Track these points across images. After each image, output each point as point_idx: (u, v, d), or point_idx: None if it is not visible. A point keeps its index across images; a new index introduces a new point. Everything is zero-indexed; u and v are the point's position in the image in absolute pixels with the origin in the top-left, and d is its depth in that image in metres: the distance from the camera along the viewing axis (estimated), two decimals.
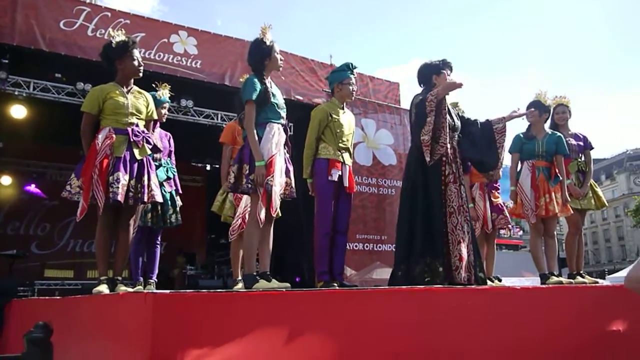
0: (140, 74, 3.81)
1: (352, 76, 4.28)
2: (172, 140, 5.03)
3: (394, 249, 4.44)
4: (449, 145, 3.96)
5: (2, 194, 10.29)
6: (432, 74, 4.19)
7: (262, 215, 3.27)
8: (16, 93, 6.98)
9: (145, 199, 3.62)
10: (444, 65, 4.20)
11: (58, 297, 4.43)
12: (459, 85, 3.86)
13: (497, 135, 4.22)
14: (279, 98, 3.57)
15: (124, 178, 3.47)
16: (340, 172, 4.06)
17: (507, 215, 5.56)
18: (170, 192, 4.74)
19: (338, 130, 4.13)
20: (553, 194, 4.72)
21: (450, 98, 4.40)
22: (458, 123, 4.18)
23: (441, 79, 4.14)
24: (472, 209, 5.06)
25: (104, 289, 3.41)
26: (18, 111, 7.50)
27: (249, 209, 3.62)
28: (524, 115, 4.58)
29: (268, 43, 3.55)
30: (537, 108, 4.96)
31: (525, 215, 4.82)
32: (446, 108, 3.99)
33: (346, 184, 4.13)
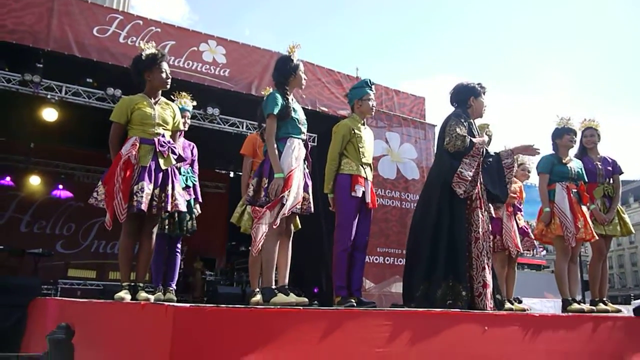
0: (168, 86, 3.90)
1: (371, 92, 4.31)
2: (195, 150, 5.11)
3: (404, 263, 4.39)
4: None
5: (31, 194, 10.55)
6: (470, 96, 4.18)
7: (276, 221, 3.26)
8: (49, 96, 7.15)
9: (169, 208, 3.69)
10: (482, 88, 4.21)
11: (81, 300, 4.51)
12: (531, 148, 4.03)
13: (506, 170, 4.13)
14: (300, 113, 3.61)
15: (148, 187, 3.55)
16: (363, 188, 4.07)
17: (532, 237, 5.49)
18: (188, 201, 4.81)
19: (360, 146, 4.14)
20: (588, 217, 4.65)
21: (480, 119, 4.40)
22: (486, 147, 4.15)
23: (478, 103, 4.17)
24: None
25: (125, 295, 3.47)
26: (50, 114, 7.69)
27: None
28: (530, 151, 4.24)
29: (295, 61, 3.61)
30: (575, 134, 4.94)
31: (565, 238, 4.61)
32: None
33: (368, 199, 4.13)
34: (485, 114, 4.26)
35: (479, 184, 3.94)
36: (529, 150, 4.17)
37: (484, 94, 4.20)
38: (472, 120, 4.14)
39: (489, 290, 3.73)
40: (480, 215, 3.88)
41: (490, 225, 4.07)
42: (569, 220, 4.60)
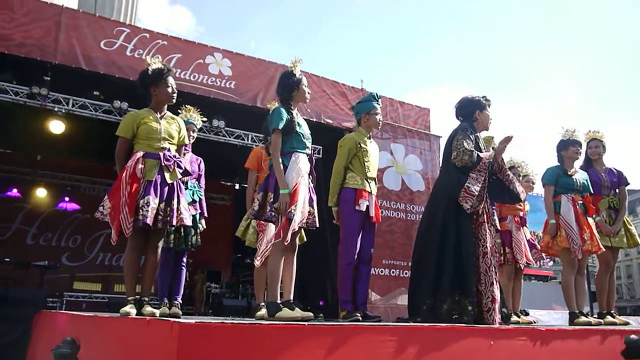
0: (174, 101, 3.93)
1: (378, 106, 4.34)
2: (202, 165, 5.12)
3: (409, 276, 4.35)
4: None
5: (37, 206, 10.60)
6: (475, 109, 4.16)
7: (287, 238, 3.27)
8: (56, 109, 7.20)
9: (174, 222, 3.70)
10: (487, 101, 4.19)
11: (86, 314, 4.51)
12: (510, 139, 3.88)
13: (501, 175, 4.01)
14: (304, 128, 3.62)
15: (153, 202, 3.56)
16: (367, 202, 4.07)
17: (539, 248, 5.47)
18: (194, 215, 4.81)
19: (366, 160, 4.15)
20: (594, 229, 4.63)
21: (485, 132, 4.38)
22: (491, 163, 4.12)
23: (484, 116, 4.15)
24: (498, 244, 4.99)
25: (130, 310, 3.47)
26: (56, 126, 7.74)
27: None
28: (506, 142, 4.01)
29: (297, 76, 3.63)
30: (580, 146, 4.95)
31: (571, 250, 4.58)
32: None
33: (372, 214, 4.13)
34: (490, 126, 4.25)
35: (486, 201, 3.93)
36: (506, 142, 3.97)
37: (489, 107, 4.20)
38: (478, 134, 4.14)
39: (497, 305, 3.71)
40: (487, 230, 3.86)
41: (496, 240, 4.04)
42: (575, 232, 4.58)
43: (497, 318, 3.68)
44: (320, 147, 8.69)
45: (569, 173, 4.83)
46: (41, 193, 10.57)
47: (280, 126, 3.44)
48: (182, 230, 4.70)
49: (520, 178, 5.55)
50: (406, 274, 8.81)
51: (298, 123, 3.55)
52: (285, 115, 3.47)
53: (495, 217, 4.17)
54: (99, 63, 7.07)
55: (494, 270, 3.78)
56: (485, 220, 3.89)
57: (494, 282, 3.75)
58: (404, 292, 8.66)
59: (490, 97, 4.22)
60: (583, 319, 4.48)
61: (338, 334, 2.50)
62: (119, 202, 3.49)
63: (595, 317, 4.76)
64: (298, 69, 3.67)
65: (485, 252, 3.79)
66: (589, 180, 4.90)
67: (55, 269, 9.15)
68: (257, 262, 4.38)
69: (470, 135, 3.99)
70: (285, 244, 3.26)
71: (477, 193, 3.79)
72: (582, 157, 5.15)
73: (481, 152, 3.99)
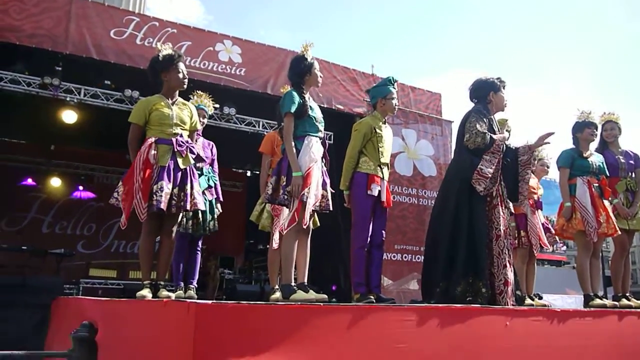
0: (185, 87, 3.94)
1: (394, 90, 4.31)
2: (214, 149, 5.14)
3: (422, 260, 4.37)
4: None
5: (52, 195, 10.72)
6: (489, 91, 4.11)
7: (302, 223, 3.29)
8: (68, 99, 7.25)
9: (188, 207, 3.73)
10: (501, 83, 4.14)
11: (103, 298, 4.57)
12: (550, 134, 3.90)
13: (521, 168, 4.01)
14: (317, 112, 3.61)
15: (167, 187, 3.59)
16: (379, 188, 4.07)
17: (553, 232, 5.43)
18: (210, 201, 4.84)
19: (380, 145, 4.14)
20: (610, 212, 4.58)
21: (500, 114, 4.35)
22: (507, 142, 4.09)
23: (498, 98, 4.11)
24: (512, 227, 4.96)
25: (147, 293, 3.51)
26: (69, 116, 7.81)
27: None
28: (543, 139, 4.06)
29: (309, 60, 3.62)
30: (596, 128, 4.86)
31: (587, 233, 4.53)
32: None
33: (383, 198, 4.13)
34: (506, 108, 4.19)
35: (500, 183, 3.91)
36: (543, 139, 4.01)
37: (503, 88, 4.14)
38: (492, 116, 4.10)
39: (510, 287, 3.71)
40: (502, 213, 3.84)
41: (510, 223, 4.02)
42: (591, 214, 4.54)
43: (510, 301, 3.68)
44: (332, 133, 8.66)
45: (585, 155, 4.78)
46: (56, 182, 10.68)
47: (293, 110, 3.43)
48: (199, 215, 4.73)
49: (536, 162, 5.50)
50: (418, 258, 8.82)
51: (310, 107, 3.54)
52: (297, 99, 3.47)
53: (509, 201, 4.15)
54: (109, 52, 7.09)
55: (507, 252, 3.77)
56: (499, 203, 3.87)
57: (507, 264, 3.74)
58: (417, 276, 8.68)
59: (505, 79, 4.17)
60: (598, 301, 4.46)
61: (354, 313, 2.51)
62: (133, 188, 3.53)
63: (610, 301, 4.73)
64: (309, 53, 3.65)
65: (498, 234, 3.78)
66: (604, 163, 4.84)
67: (71, 256, 9.26)
68: (275, 245, 4.39)
69: (484, 118, 3.95)
70: (304, 227, 3.27)
71: (490, 175, 3.77)
72: (597, 140, 5.09)
73: (495, 134, 3.96)
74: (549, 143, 4.12)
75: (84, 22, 7.00)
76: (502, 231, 3.79)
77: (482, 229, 3.79)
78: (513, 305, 3.68)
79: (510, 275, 3.75)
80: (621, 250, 4.91)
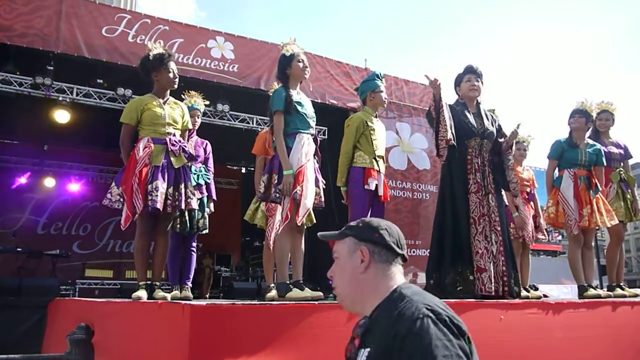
0: (175, 86, 3.92)
1: (381, 84, 4.31)
2: (208, 147, 5.11)
3: (428, 254, 4.40)
4: (475, 154, 3.96)
5: (46, 196, 10.68)
6: (456, 87, 4.25)
7: (296, 220, 3.29)
8: (60, 99, 7.21)
9: (183, 206, 3.72)
10: (465, 72, 4.20)
11: (99, 300, 4.57)
12: (434, 82, 3.86)
13: (504, 157, 4.10)
14: (308, 108, 3.59)
15: (162, 186, 3.58)
16: (376, 181, 4.07)
17: (543, 223, 5.44)
18: (200, 199, 4.81)
19: (374, 139, 4.14)
20: (595, 204, 4.59)
21: (488, 104, 4.36)
22: (491, 129, 4.09)
23: (462, 88, 4.19)
24: (517, 217, 4.93)
25: (142, 294, 3.51)
26: (62, 116, 7.78)
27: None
28: (515, 135, 4.09)
29: (288, 54, 3.59)
30: (584, 116, 4.82)
31: (567, 225, 4.60)
32: (444, 106, 3.94)
33: (381, 192, 4.13)
34: (478, 95, 4.16)
35: (475, 164, 3.93)
36: (514, 136, 4.10)
37: (472, 74, 4.16)
38: (465, 105, 4.14)
39: (485, 274, 3.68)
40: (477, 199, 3.86)
41: (495, 208, 3.97)
42: (572, 208, 4.58)
43: (486, 286, 3.65)
44: (326, 129, 8.65)
45: (578, 145, 4.76)
46: (49, 183, 10.65)
47: (281, 107, 3.43)
48: (186, 214, 4.71)
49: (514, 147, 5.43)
50: (413, 252, 8.85)
51: (300, 102, 3.52)
52: (283, 95, 3.46)
53: (503, 192, 4.16)
54: (101, 50, 7.05)
55: (480, 240, 3.76)
56: (475, 190, 3.89)
57: (479, 251, 3.74)
58: (412, 270, 8.71)
59: (477, 67, 4.19)
60: (592, 291, 4.48)
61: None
62: (132, 188, 3.51)
63: (604, 290, 4.76)
64: (288, 47, 3.62)
65: (471, 222, 3.81)
66: (601, 154, 4.80)
67: (66, 257, 9.25)
68: (271, 247, 4.40)
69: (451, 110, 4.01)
70: (298, 224, 3.27)
71: (447, 136, 3.79)
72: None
73: (466, 121, 4.01)
74: (517, 134, 4.18)
75: (75, 21, 6.94)
76: (475, 218, 3.80)
77: (463, 216, 3.82)
78: (488, 292, 3.65)
79: (483, 262, 3.70)
80: (617, 240, 4.94)
